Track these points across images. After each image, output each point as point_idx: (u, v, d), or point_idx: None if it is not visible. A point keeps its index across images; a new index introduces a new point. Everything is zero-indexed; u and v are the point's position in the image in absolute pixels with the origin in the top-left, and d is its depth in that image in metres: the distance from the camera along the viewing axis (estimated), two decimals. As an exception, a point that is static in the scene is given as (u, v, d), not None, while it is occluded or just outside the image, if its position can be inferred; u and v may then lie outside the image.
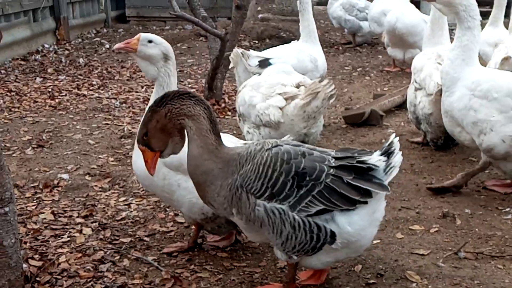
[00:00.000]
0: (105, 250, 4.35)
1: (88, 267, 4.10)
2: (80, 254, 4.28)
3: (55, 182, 5.65)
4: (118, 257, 4.27)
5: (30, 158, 6.36)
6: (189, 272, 4.06)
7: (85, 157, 6.37)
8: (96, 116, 7.90)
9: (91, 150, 6.57)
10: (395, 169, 3.51)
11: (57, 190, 5.51)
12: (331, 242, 3.45)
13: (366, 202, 3.45)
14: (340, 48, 12.76)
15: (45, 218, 4.88)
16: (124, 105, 8.43)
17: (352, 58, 11.75)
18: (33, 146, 6.71)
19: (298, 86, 5.48)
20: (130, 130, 7.17)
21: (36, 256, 4.21)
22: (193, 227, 4.43)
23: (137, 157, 4.18)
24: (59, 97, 8.82)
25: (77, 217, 4.94)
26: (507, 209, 4.97)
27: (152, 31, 14.21)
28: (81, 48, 12.58)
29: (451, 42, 5.56)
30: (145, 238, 4.56)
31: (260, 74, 6.53)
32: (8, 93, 8.91)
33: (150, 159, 3.51)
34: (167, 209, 5.03)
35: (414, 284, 3.89)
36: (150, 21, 15.34)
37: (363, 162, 3.46)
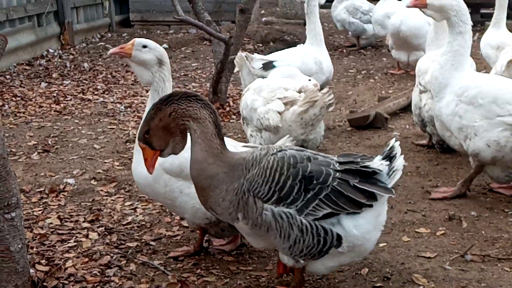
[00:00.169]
0: (112, 254, 4.35)
1: (94, 272, 4.11)
2: (86, 259, 4.28)
3: (61, 187, 5.66)
4: (124, 261, 4.27)
5: (36, 163, 6.37)
6: (195, 276, 4.06)
7: (90, 161, 6.38)
8: (101, 120, 7.92)
9: (96, 155, 6.58)
10: (398, 173, 3.56)
11: (63, 195, 5.52)
12: (338, 246, 3.46)
13: (371, 206, 3.48)
14: (344, 51, 12.76)
15: (51, 223, 4.89)
16: (129, 109, 8.45)
17: (357, 61, 11.75)
18: (38, 151, 6.73)
19: (300, 91, 5.48)
20: (135, 134, 7.16)
21: (43, 261, 4.21)
22: (198, 231, 4.44)
23: (137, 164, 4.15)
24: (64, 101, 8.84)
25: (83, 221, 4.95)
26: (514, 211, 4.97)
27: (156, 35, 14.23)
28: (85, 53, 12.61)
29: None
30: (151, 243, 4.56)
31: (264, 76, 6.55)
32: (13, 98, 8.94)
33: (150, 158, 3.45)
34: (173, 214, 5.03)
35: (421, 287, 3.88)
36: (154, 26, 15.36)
37: (367, 166, 3.50)
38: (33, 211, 5.16)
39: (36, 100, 8.90)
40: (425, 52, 7.00)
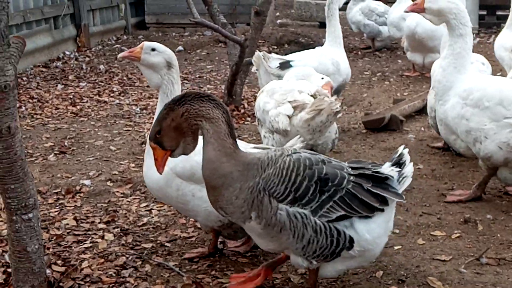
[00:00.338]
0: (127, 255, 4.38)
1: (110, 273, 4.13)
2: (102, 260, 4.31)
3: (77, 188, 5.71)
4: (140, 262, 4.30)
5: (52, 164, 6.43)
6: (210, 278, 4.08)
7: (106, 163, 6.43)
8: (117, 122, 7.97)
9: (112, 156, 6.62)
10: (408, 179, 3.66)
11: (79, 196, 5.57)
12: (349, 248, 3.49)
13: (383, 210, 3.53)
14: (359, 53, 12.74)
15: (67, 224, 4.93)
16: (144, 111, 8.49)
17: (372, 63, 11.73)
18: (55, 152, 6.79)
19: (315, 96, 5.45)
20: (150, 136, 7.20)
21: (59, 262, 4.24)
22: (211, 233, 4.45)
23: (148, 169, 4.16)
24: (80, 103, 8.91)
25: (99, 223, 4.99)
26: (530, 215, 4.94)
27: (171, 37, 14.30)
28: (101, 55, 12.69)
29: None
30: (167, 244, 4.59)
31: (281, 76, 6.56)
32: (30, 100, 9.02)
33: (160, 158, 3.44)
34: (188, 215, 5.06)
35: (436, 290, 3.88)
36: (169, 28, 15.43)
37: (379, 171, 3.58)
38: (49, 212, 5.21)
39: (52, 102, 8.98)
40: (440, 54, 6.97)
